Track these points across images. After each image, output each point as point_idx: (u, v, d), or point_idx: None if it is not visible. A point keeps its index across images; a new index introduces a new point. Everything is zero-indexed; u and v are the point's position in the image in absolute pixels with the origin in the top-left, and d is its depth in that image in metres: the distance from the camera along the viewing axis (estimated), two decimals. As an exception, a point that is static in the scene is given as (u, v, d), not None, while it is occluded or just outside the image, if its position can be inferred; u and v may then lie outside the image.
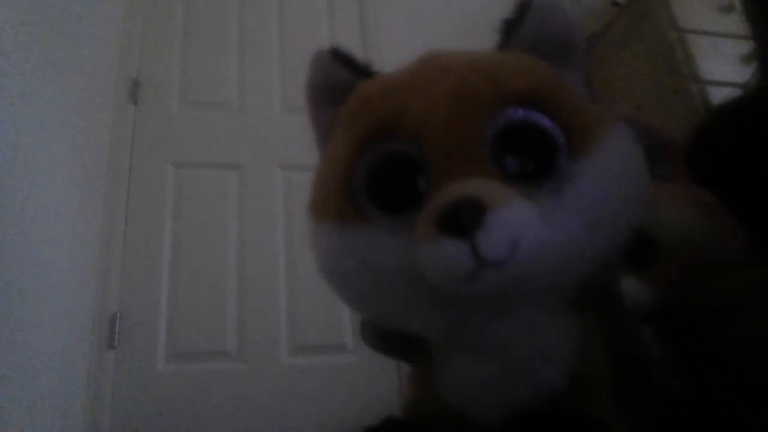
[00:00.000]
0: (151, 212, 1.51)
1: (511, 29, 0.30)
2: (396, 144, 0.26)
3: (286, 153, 1.67)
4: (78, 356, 1.24)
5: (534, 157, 0.26)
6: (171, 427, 1.32)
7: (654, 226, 0.36)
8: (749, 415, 0.32)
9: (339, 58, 0.32)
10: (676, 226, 0.36)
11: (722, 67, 1.47)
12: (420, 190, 0.25)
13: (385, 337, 0.34)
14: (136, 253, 1.45)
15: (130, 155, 1.55)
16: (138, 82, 1.64)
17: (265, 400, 1.39)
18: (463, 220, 0.22)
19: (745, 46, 1.50)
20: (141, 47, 1.69)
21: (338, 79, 0.31)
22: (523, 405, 0.27)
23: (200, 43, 1.75)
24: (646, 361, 0.35)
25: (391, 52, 1.85)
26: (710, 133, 0.48)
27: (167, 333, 1.40)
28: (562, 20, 0.30)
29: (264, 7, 1.86)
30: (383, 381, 1.45)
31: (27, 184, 1.00)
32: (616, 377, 0.30)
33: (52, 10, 1.16)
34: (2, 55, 0.92)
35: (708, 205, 0.36)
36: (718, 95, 1.41)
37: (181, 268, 1.47)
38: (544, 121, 0.26)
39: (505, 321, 0.27)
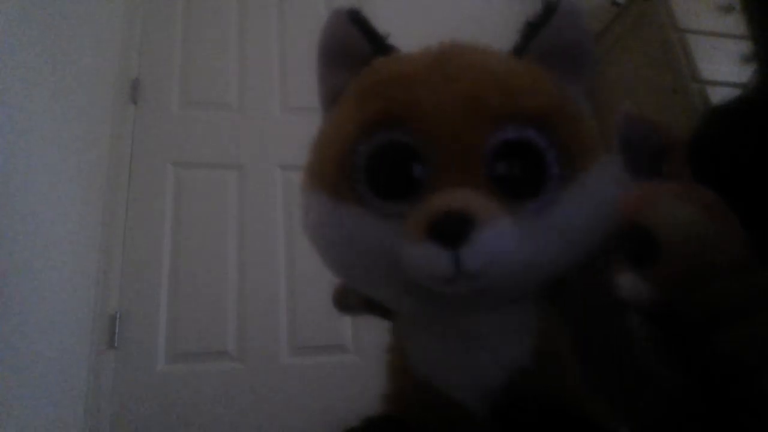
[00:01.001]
0: (151, 212, 1.51)
1: (532, 33, 0.31)
2: (401, 135, 0.27)
3: (286, 153, 1.67)
4: (78, 356, 1.24)
5: (526, 176, 0.27)
6: (171, 427, 1.32)
7: (656, 224, 0.36)
8: (745, 418, 0.32)
9: (358, 22, 0.32)
10: (677, 224, 0.36)
11: (722, 67, 1.47)
12: (415, 184, 0.27)
13: (365, 301, 0.36)
14: (136, 253, 1.45)
15: (130, 155, 1.55)
16: (138, 82, 1.64)
17: (265, 400, 1.39)
18: (452, 231, 0.24)
19: (745, 46, 1.49)
20: (141, 47, 1.69)
21: (353, 43, 0.32)
22: (493, 383, 0.29)
23: (200, 43, 1.75)
24: (629, 346, 0.36)
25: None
26: (709, 132, 0.48)
27: (167, 333, 1.40)
28: (582, 29, 0.31)
29: (264, 8, 1.86)
30: (383, 381, 1.45)
31: (27, 185, 1.00)
32: (586, 358, 0.31)
33: (52, 10, 1.16)
34: (2, 55, 0.92)
35: (709, 204, 0.36)
36: (718, 95, 1.40)
37: (181, 268, 1.47)
38: (543, 145, 0.27)
39: (472, 318, 0.29)
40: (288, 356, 1.45)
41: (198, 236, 1.51)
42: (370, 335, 1.51)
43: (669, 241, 0.36)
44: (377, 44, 0.32)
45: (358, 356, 1.49)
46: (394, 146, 0.27)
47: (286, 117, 1.72)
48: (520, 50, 0.31)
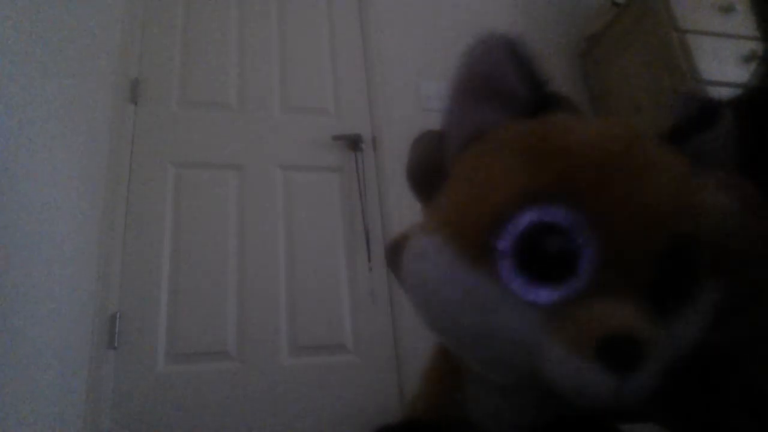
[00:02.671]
0: (151, 212, 1.51)
1: (691, 132, 0.30)
2: (568, 217, 0.24)
3: (286, 153, 1.67)
4: (78, 356, 1.24)
5: (679, 291, 0.26)
6: (171, 427, 1.31)
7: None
8: (745, 418, 0.32)
9: (517, 59, 0.28)
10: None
11: (722, 67, 1.47)
12: (567, 278, 0.24)
13: None
14: (136, 253, 1.45)
15: (130, 155, 1.55)
16: (138, 82, 1.64)
17: (265, 400, 1.39)
18: (625, 360, 0.22)
19: (745, 46, 1.50)
20: (141, 47, 1.69)
21: (508, 82, 0.28)
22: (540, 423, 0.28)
23: (200, 43, 1.75)
24: None
25: (391, 52, 1.84)
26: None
27: (167, 333, 1.40)
28: (732, 135, 0.30)
29: (264, 8, 1.86)
30: (383, 381, 1.45)
31: (27, 184, 1.00)
32: None
33: (52, 10, 1.16)
34: (2, 54, 0.92)
35: (746, 196, 0.36)
36: (718, 95, 1.40)
37: (181, 268, 1.47)
38: (700, 263, 0.26)
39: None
40: (288, 356, 1.45)
41: (198, 236, 1.51)
42: (370, 335, 1.51)
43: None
44: (537, 89, 0.28)
45: (358, 356, 1.49)
46: (557, 228, 0.25)
47: (286, 117, 1.72)
48: (674, 143, 0.29)
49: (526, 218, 0.25)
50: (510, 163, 0.27)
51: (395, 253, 0.36)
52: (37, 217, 1.03)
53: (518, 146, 0.27)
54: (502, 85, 0.28)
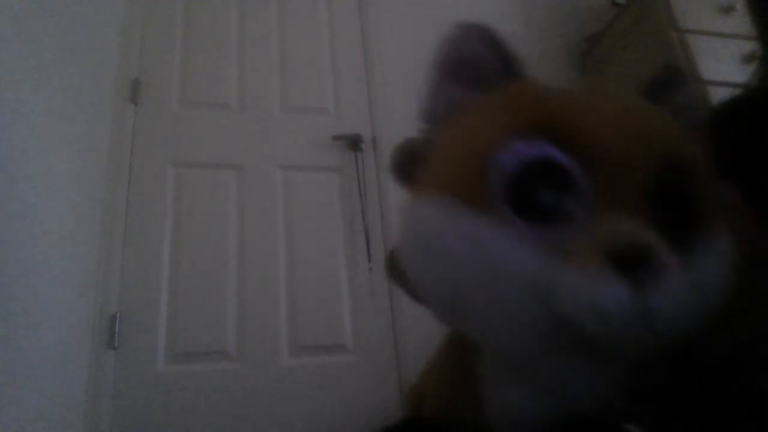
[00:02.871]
0: (151, 212, 1.51)
1: (662, 91, 0.31)
2: (553, 149, 0.25)
3: (286, 153, 1.67)
4: (78, 356, 1.24)
5: (683, 219, 0.25)
6: (171, 427, 1.31)
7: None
8: (745, 418, 0.32)
9: (492, 44, 0.30)
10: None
11: (722, 67, 1.47)
12: (568, 206, 0.24)
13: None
14: (136, 253, 1.45)
15: (130, 155, 1.55)
16: (138, 82, 1.64)
17: (265, 400, 1.39)
18: (638, 264, 0.21)
19: (745, 46, 1.50)
20: (141, 47, 1.69)
21: (483, 62, 0.30)
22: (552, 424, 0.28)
23: (200, 43, 1.75)
24: None
25: (391, 52, 1.85)
26: (710, 132, 0.48)
27: (167, 333, 1.40)
28: (699, 96, 0.31)
29: (264, 7, 1.86)
30: (383, 381, 1.45)
31: (27, 184, 1.00)
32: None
33: (51, 10, 1.16)
34: (2, 55, 0.92)
35: (735, 201, 0.36)
36: (718, 95, 1.40)
37: (181, 268, 1.47)
38: (698, 194, 0.26)
39: (573, 369, 0.26)
40: (288, 356, 1.45)
41: (198, 236, 1.51)
42: (370, 335, 1.51)
43: None
44: (511, 67, 0.30)
45: (358, 356, 1.49)
46: (544, 162, 0.25)
47: (286, 117, 1.72)
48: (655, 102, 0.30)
49: (516, 154, 0.25)
50: (491, 115, 0.28)
51: (395, 260, 0.36)
52: (37, 217, 1.03)
53: (496, 102, 0.28)
54: (476, 65, 0.30)
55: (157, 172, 1.56)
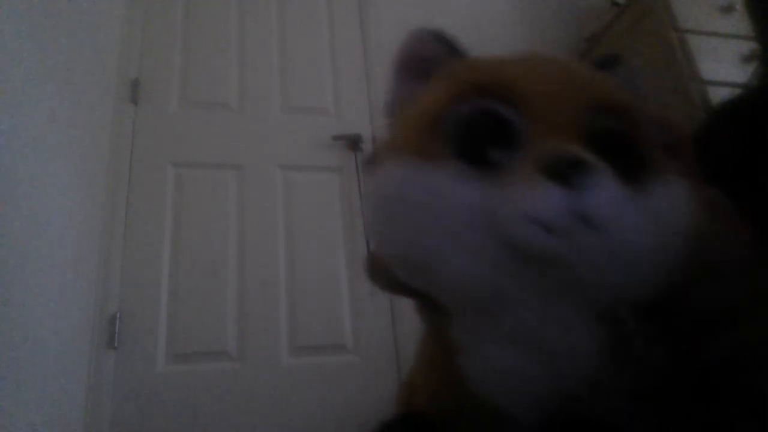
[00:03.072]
0: (151, 212, 1.51)
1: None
2: (495, 103, 0.28)
3: (286, 153, 1.67)
4: (78, 356, 1.24)
5: (618, 153, 0.27)
6: (171, 427, 1.31)
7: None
8: (745, 418, 0.32)
9: (445, 43, 0.34)
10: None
11: (722, 67, 1.47)
12: (511, 142, 0.27)
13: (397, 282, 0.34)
14: (136, 253, 1.45)
15: (130, 155, 1.55)
16: (138, 82, 1.64)
17: (265, 400, 1.39)
18: (571, 170, 0.23)
19: (745, 46, 1.50)
20: (141, 47, 1.69)
21: (432, 58, 0.34)
22: (545, 403, 0.27)
23: (200, 43, 1.75)
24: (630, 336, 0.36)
25: (390, 52, 1.84)
26: (711, 132, 0.48)
27: (167, 333, 1.40)
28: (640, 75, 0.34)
29: (264, 7, 1.86)
30: (383, 381, 1.45)
31: (27, 184, 1.00)
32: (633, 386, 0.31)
33: (52, 10, 1.16)
34: (2, 55, 0.92)
35: (714, 205, 0.36)
36: (718, 95, 1.40)
37: (181, 268, 1.47)
38: (633, 136, 0.28)
39: (545, 314, 0.28)
40: (288, 356, 1.45)
41: (198, 236, 1.51)
42: (370, 335, 1.51)
43: None
44: (458, 55, 0.34)
45: (358, 356, 1.49)
46: (484, 112, 0.28)
47: (286, 117, 1.72)
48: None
49: (453, 114, 0.28)
50: (437, 87, 0.31)
51: (375, 263, 0.38)
52: (37, 217, 1.03)
53: (443, 76, 0.32)
54: (429, 60, 0.34)
55: (157, 172, 1.56)
